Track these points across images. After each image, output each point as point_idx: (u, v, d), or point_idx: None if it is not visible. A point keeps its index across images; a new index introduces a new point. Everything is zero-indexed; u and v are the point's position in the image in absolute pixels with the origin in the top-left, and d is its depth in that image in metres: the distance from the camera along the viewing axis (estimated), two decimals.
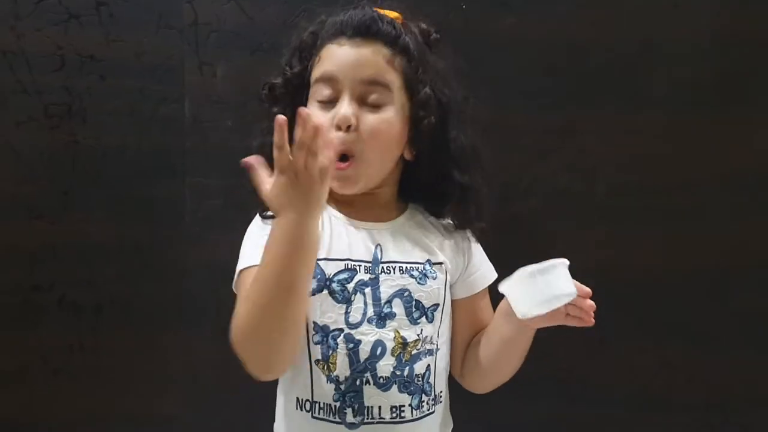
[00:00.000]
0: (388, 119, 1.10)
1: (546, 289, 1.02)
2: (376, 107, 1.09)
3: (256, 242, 1.08)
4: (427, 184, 1.18)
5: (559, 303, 1.03)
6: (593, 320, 1.08)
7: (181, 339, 1.49)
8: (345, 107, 1.08)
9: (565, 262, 1.03)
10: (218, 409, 1.50)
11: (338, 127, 1.07)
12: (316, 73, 1.11)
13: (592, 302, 1.07)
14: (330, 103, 1.10)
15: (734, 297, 1.52)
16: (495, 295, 1.18)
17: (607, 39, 1.49)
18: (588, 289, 1.07)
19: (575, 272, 1.07)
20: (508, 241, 1.46)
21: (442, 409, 1.17)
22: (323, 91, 1.10)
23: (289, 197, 0.93)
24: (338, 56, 1.10)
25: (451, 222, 1.21)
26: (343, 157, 1.08)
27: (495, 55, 1.48)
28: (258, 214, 1.14)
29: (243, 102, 1.43)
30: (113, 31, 1.46)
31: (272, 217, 1.02)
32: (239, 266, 1.10)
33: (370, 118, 1.08)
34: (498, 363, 1.18)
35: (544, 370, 1.49)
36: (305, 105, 1.12)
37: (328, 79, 1.09)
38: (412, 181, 1.19)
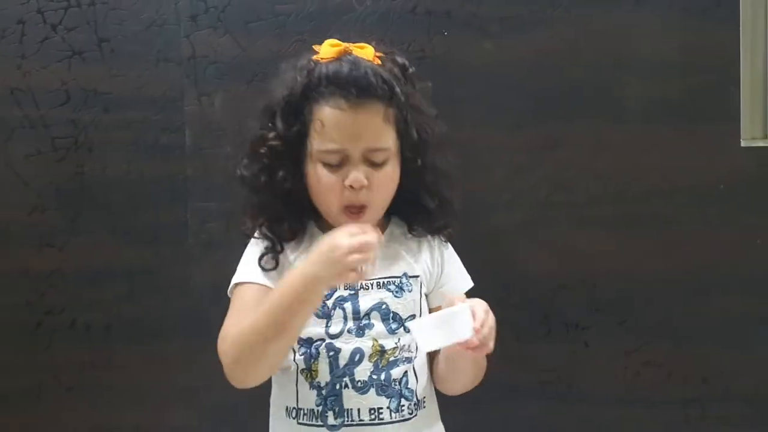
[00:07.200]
0: (391, 172, 1.17)
1: (447, 330, 1.08)
2: (380, 165, 1.16)
3: (249, 259, 1.18)
4: (405, 200, 1.22)
5: (455, 340, 1.08)
6: (485, 352, 1.10)
7: (185, 354, 1.52)
8: (358, 173, 1.14)
9: (466, 309, 1.08)
10: (223, 420, 1.53)
11: (351, 187, 1.14)
12: (322, 144, 1.15)
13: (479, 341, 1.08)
14: (336, 165, 1.15)
15: (709, 300, 1.56)
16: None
17: (580, 59, 1.52)
18: (479, 330, 1.08)
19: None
20: (493, 251, 1.54)
21: (426, 414, 1.20)
22: (330, 158, 1.15)
23: (327, 264, 1.02)
24: (341, 127, 1.14)
25: (425, 232, 1.24)
26: (360, 208, 1.15)
27: (476, 77, 1.52)
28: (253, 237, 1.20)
29: (240, 130, 1.41)
30: (115, 66, 1.49)
31: (266, 235, 1.16)
32: (235, 279, 1.18)
33: (377, 175, 1.15)
34: (450, 375, 1.21)
35: (532, 372, 1.55)
36: (302, 156, 1.17)
37: (336, 152, 1.15)
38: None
